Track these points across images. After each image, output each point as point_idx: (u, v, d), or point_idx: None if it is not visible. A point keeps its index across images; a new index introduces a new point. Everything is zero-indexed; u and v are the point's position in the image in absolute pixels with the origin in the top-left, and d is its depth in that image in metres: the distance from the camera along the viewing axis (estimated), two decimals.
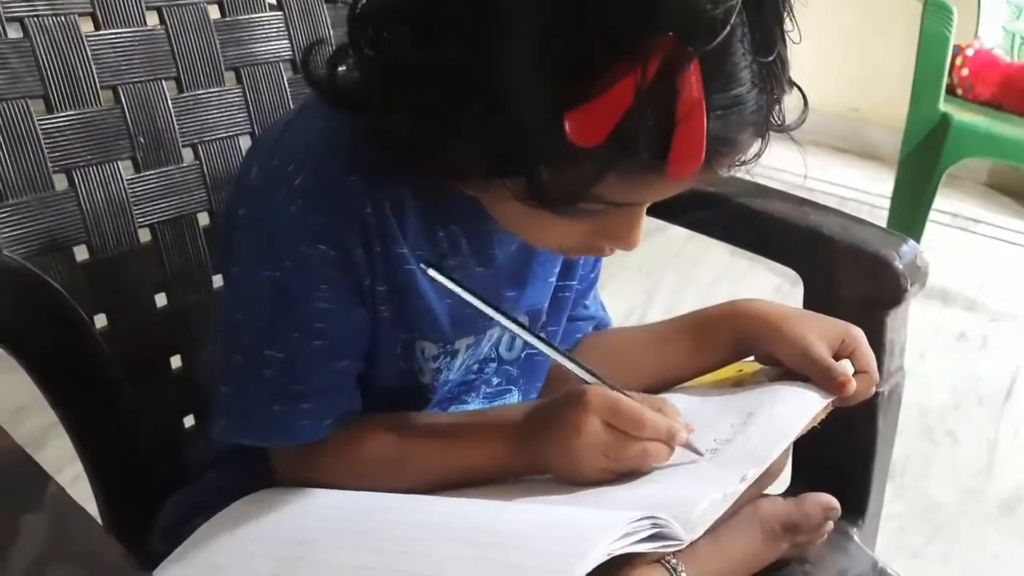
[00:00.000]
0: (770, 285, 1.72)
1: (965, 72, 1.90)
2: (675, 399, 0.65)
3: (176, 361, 0.72)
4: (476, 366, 0.66)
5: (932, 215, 2.25)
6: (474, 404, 0.68)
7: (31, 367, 0.63)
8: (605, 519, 0.47)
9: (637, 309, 1.85)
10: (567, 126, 0.42)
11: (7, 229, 0.61)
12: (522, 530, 0.49)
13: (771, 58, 0.46)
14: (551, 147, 0.43)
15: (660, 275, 1.97)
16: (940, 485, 1.48)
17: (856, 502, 0.74)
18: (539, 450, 0.57)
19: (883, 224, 1.84)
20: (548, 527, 0.49)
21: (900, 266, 0.69)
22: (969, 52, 1.91)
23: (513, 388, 0.69)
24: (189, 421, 0.74)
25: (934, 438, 1.59)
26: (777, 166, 2.64)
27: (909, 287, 0.69)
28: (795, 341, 0.62)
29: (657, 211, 0.79)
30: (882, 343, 0.70)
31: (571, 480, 0.56)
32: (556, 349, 0.59)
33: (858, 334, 0.63)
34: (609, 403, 0.55)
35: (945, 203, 2.42)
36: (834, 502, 0.66)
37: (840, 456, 0.73)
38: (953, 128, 1.73)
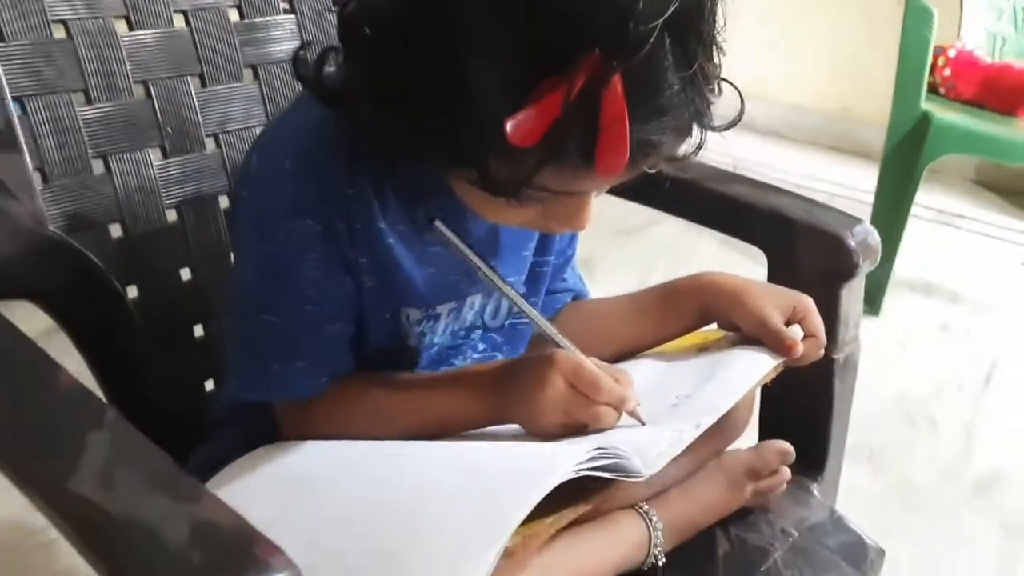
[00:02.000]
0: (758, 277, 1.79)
1: (947, 72, 1.97)
2: (646, 362, 0.73)
3: (199, 330, 0.79)
4: (462, 332, 0.72)
5: (919, 211, 2.31)
6: None
7: (70, 330, 0.70)
8: (572, 449, 0.54)
9: None
10: (507, 129, 0.48)
11: (52, 208, 0.68)
12: (500, 461, 0.56)
13: (691, 71, 0.50)
14: (497, 145, 0.49)
15: (652, 267, 2.03)
16: (918, 467, 1.53)
17: (816, 459, 0.81)
18: (507, 401, 0.62)
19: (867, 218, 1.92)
20: (522, 458, 0.56)
21: (853, 243, 0.76)
22: (951, 53, 1.97)
23: (498, 354, 0.76)
24: (210, 385, 0.81)
25: (914, 422, 1.65)
26: (770, 163, 2.72)
27: (861, 262, 0.76)
28: (752, 310, 0.69)
29: (634, 196, 0.87)
30: (837, 314, 0.77)
31: (532, 431, 0.62)
32: (533, 312, 0.65)
33: (808, 302, 0.70)
34: (573, 365, 0.60)
35: (932, 199, 2.48)
36: (788, 447, 0.73)
37: (800, 417, 0.80)
38: (934, 125, 1.79)
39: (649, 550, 0.67)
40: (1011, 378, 1.79)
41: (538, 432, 0.61)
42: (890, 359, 1.82)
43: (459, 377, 0.67)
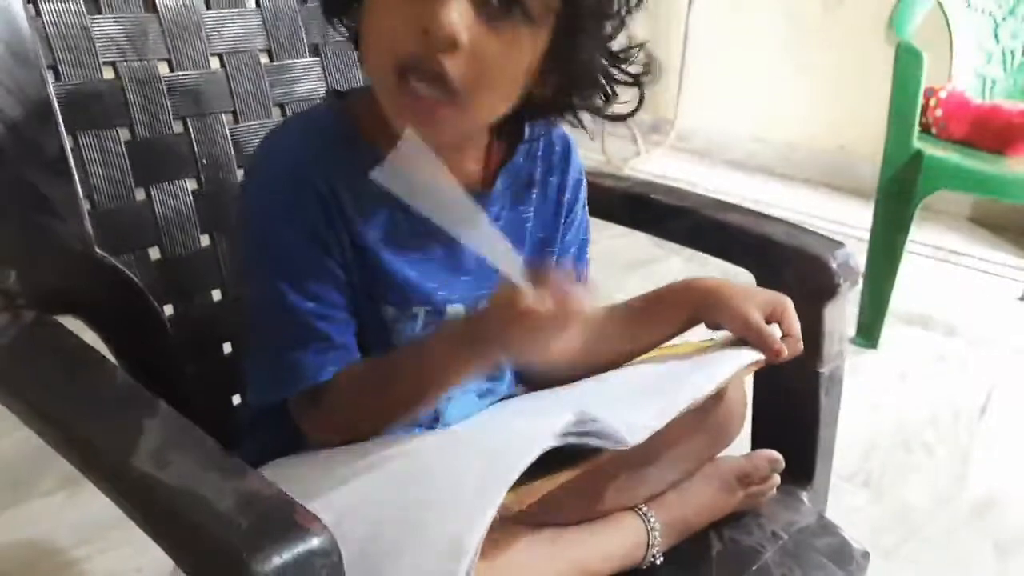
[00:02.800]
0: None
1: (939, 113, 2.03)
2: (638, 368, 0.78)
3: (227, 347, 0.85)
4: None
5: (916, 248, 2.38)
6: None
7: (110, 343, 0.76)
8: (557, 421, 0.58)
9: None
10: None
11: (99, 231, 0.74)
12: (495, 435, 0.62)
13: None
14: None
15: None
16: (915, 491, 1.57)
17: (804, 468, 0.86)
18: (484, 343, 0.63)
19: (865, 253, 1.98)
20: (514, 433, 0.62)
21: (835, 265, 0.82)
22: (942, 94, 2.04)
23: None
24: (236, 399, 0.86)
25: (911, 449, 1.69)
26: (767, 200, 2.79)
27: (842, 283, 0.82)
28: (735, 310, 0.75)
29: (633, 222, 0.93)
30: (822, 331, 0.83)
31: (529, 358, 0.66)
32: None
33: (786, 302, 0.76)
34: (506, 287, 0.61)
35: (929, 236, 2.55)
36: (778, 456, 0.78)
37: (790, 428, 0.85)
38: (926, 163, 1.85)
39: (648, 549, 0.73)
40: (1006, 407, 1.83)
41: (534, 358, 0.65)
42: (888, 389, 1.87)
43: (435, 336, 0.69)
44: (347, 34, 0.72)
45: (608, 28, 0.66)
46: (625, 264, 2.19)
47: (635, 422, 0.61)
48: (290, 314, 0.65)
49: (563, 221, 0.79)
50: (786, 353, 0.73)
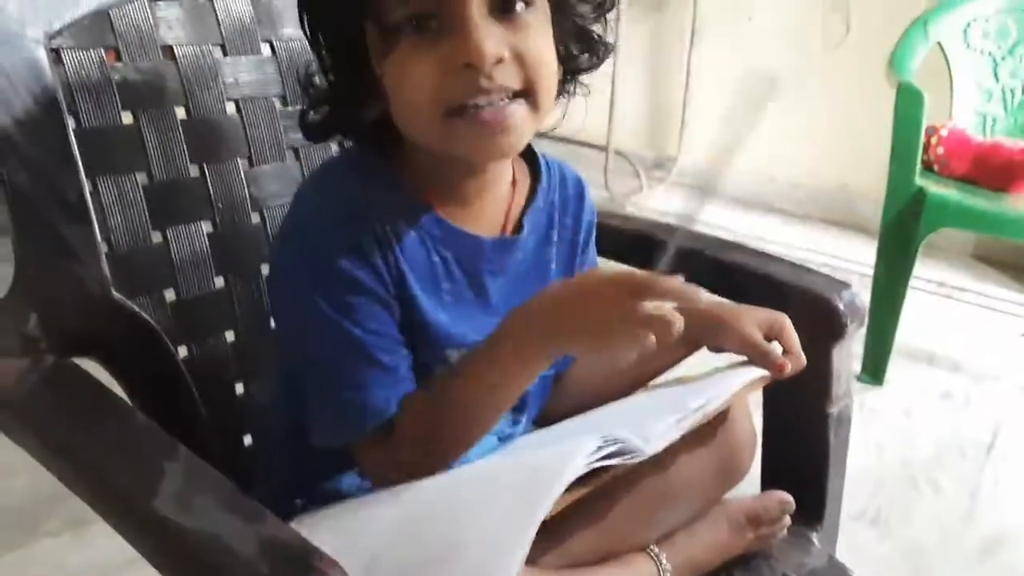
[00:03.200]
0: None
1: (940, 151, 2.05)
2: (655, 391, 0.79)
3: (239, 387, 0.86)
4: None
5: (920, 284, 2.38)
6: None
7: (125, 384, 0.77)
8: (581, 446, 0.59)
9: None
10: None
11: (116, 274, 0.75)
12: (521, 470, 0.62)
13: None
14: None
15: None
16: (923, 529, 1.57)
17: (814, 508, 0.86)
18: (559, 322, 0.62)
19: (869, 290, 1.99)
20: (540, 466, 0.61)
21: (841, 306, 0.82)
22: (944, 132, 2.05)
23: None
24: (247, 440, 0.87)
25: (918, 487, 1.69)
26: (772, 237, 2.80)
27: (849, 324, 0.82)
28: (736, 331, 0.76)
29: (640, 263, 0.94)
30: (829, 371, 0.83)
31: (597, 347, 0.61)
32: None
33: (784, 319, 0.77)
34: (616, 273, 0.61)
35: (932, 273, 2.55)
36: (788, 498, 0.78)
37: (799, 469, 0.86)
38: (928, 201, 1.86)
39: None
40: (1013, 444, 1.83)
41: (607, 346, 0.60)
42: (895, 426, 1.87)
43: (501, 328, 0.66)
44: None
45: None
46: None
47: (650, 433, 0.62)
48: (355, 349, 0.65)
49: (576, 263, 0.80)
50: (789, 368, 0.74)
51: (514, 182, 0.75)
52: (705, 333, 0.78)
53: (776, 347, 0.75)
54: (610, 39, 0.72)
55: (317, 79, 0.71)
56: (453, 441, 0.66)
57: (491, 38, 0.60)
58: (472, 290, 0.72)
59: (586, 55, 0.71)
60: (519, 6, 0.63)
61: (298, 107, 0.88)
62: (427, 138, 0.66)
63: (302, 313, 0.67)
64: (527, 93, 0.64)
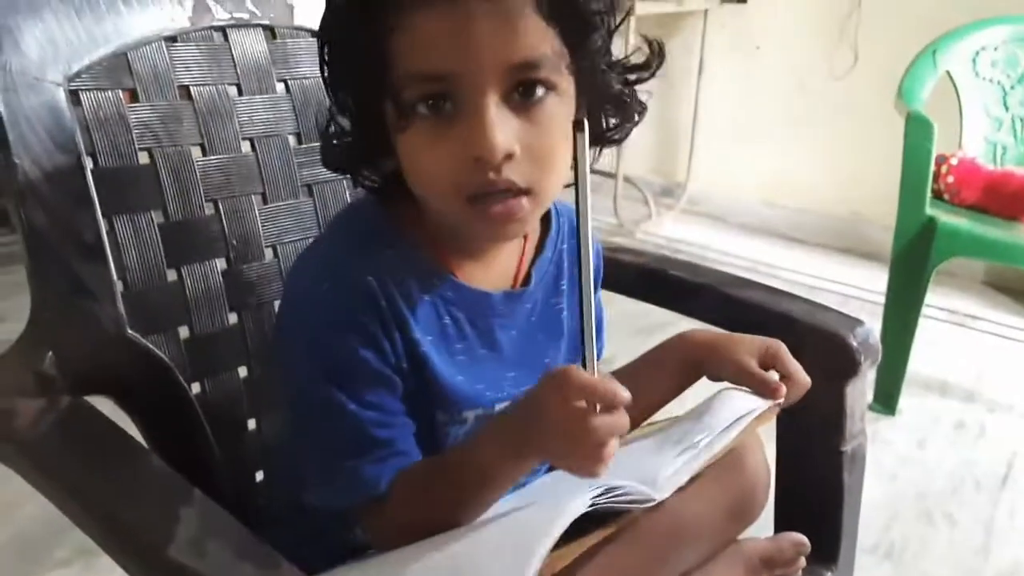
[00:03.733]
0: None
1: (951, 179, 2.05)
2: (659, 432, 0.78)
3: (251, 423, 0.86)
4: None
5: (932, 312, 2.37)
6: None
7: (139, 421, 0.77)
8: (582, 496, 0.58)
9: None
10: None
11: (131, 312, 0.75)
12: (526, 515, 0.62)
13: None
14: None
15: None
16: (938, 563, 1.55)
17: (829, 548, 0.85)
18: (528, 441, 0.61)
19: (880, 318, 1.99)
20: (543, 508, 0.61)
21: (855, 343, 0.82)
22: (954, 161, 2.06)
23: None
24: (259, 476, 0.87)
25: (933, 520, 1.67)
26: (783, 265, 2.78)
27: (863, 361, 0.82)
28: (731, 361, 0.76)
29: (651, 298, 0.94)
30: (843, 409, 0.83)
31: (568, 464, 0.59)
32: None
33: (778, 345, 0.77)
34: (561, 377, 0.58)
35: (944, 301, 2.55)
36: (804, 539, 0.78)
37: (813, 508, 0.85)
38: (939, 230, 1.86)
39: None
40: None
41: (577, 465, 0.58)
42: (908, 457, 1.86)
43: (486, 428, 0.67)
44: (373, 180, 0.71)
45: (608, 43, 0.67)
46: (639, 329, 2.20)
47: (658, 477, 0.61)
48: (350, 423, 0.65)
49: None
50: (784, 392, 0.73)
51: (526, 234, 0.75)
52: (700, 362, 0.79)
53: (773, 375, 0.75)
54: (644, 97, 0.71)
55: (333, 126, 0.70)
56: (450, 517, 0.65)
57: (503, 131, 0.59)
58: (485, 346, 0.72)
59: (620, 120, 0.71)
60: (539, 91, 0.61)
61: (314, 143, 0.89)
62: (443, 215, 0.66)
63: (301, 381, 0.67)
64: (535, 185, 0.63)
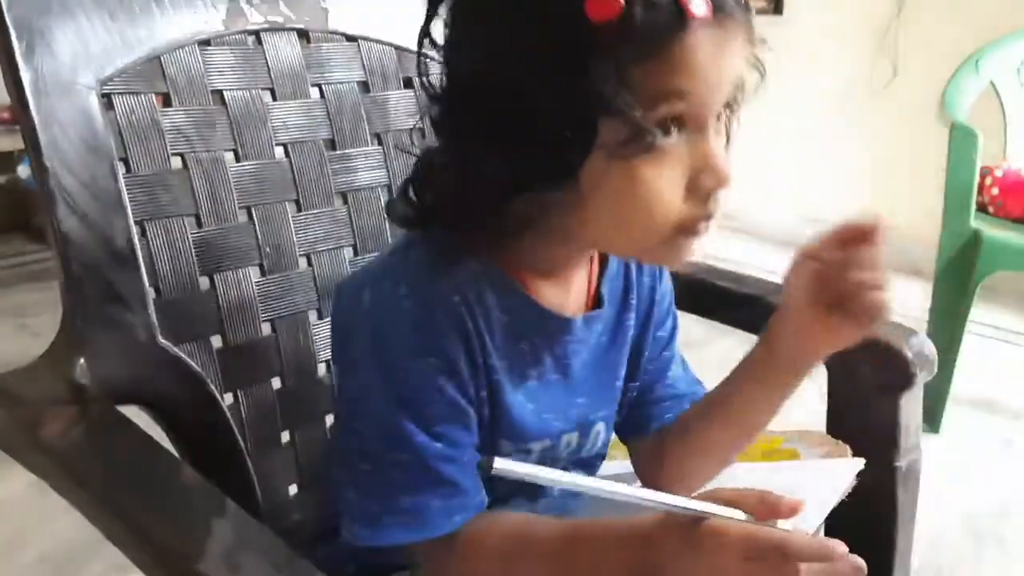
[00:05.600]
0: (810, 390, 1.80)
1: (995, 191, 2.00)
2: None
3: (285, 435, 0.84)
4: (549, 463, 0.70)
5: (976, 328, 2.31)
6: None
7: (171, 432, 0.75)
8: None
9: None
10: (587, 9, 0.50)
11: (163, 320, 0.74)
12: None
13: None
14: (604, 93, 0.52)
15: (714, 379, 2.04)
16: None
17: (883, 568, 0.82)
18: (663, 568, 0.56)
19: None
20: None
21: (910, 355, 0.79)
22: (998, 173, 2.01)
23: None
24: (293, 490, 0.85)
25: (982, 541, 1.62)
26: None
27: (918, 373, 0.79)
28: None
29: (696, 309, 0.91)
30: (897, 423, 0.79)
31: None
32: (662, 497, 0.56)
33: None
34: (744, 536, 0.54)
35: (987, 316, 2.48)
36: (861, 563, 0.74)
37: (867, 526, 0.81)
38: (984, 244, 1.82)
39: None
40: None
41: None
42: (954, 477, 1.80)
43: (607, 529, 0.60)
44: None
45: None
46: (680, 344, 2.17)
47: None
48: (416, 456, 0.60)
49: (654, 315, 0.75)
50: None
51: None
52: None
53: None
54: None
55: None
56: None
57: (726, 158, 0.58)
58: (558, 371, 0.68)
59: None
60: (724, 114, 0.60)
61: (348, 150, 0.88)
62: (633, 250, 0.63)
63: (370, 404, 0.62)
64: None
